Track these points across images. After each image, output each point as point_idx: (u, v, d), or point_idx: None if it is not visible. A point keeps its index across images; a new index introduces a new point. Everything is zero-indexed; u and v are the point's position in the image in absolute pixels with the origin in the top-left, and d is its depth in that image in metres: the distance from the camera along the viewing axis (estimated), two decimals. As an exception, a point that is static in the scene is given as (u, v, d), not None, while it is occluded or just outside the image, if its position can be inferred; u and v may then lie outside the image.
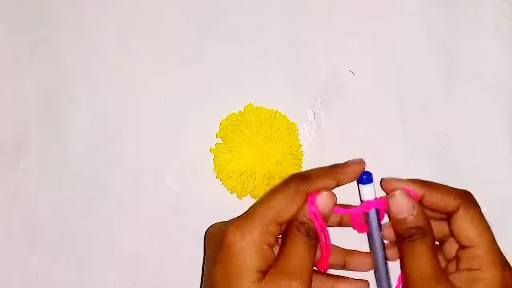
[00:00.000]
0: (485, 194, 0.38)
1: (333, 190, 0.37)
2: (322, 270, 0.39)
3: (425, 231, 0.35)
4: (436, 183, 0.37)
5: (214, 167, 0.43)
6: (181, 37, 0.45)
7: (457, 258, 0.36)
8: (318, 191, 0.36)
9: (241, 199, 0.43)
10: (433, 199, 0.36)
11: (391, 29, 0.45)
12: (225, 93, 0.45)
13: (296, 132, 0.44)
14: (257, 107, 0.44)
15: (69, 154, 0.45)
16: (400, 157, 0.44)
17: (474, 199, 0.36)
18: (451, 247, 0.38)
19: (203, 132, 0.44)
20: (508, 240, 0.37)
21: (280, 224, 0.35)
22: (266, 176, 0.43)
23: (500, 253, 0.35)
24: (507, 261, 0.35)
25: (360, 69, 0.44)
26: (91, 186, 0.44)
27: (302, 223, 0.35)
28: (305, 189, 0.36)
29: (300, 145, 0.44)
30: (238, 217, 0.36)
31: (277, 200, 0.35)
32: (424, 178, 0.42)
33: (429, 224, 0.36)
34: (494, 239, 0.36)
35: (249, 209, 0.37)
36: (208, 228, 0.38)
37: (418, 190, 0.36)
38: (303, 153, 0.44)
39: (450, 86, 0.44)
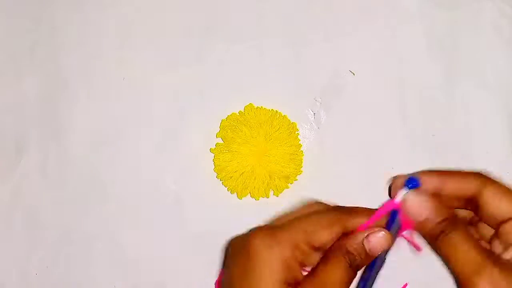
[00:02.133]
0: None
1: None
2: None
3: (453, 221, 0.33)
4: (451, 171, 0.36)
5: (214, 167, 0.43)
6: (181, 37, 0.45)
7: (504, 235, 0.34)
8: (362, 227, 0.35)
9: (241, 199, 0.43)
10: (450, 186, 0.35)
11: (391, 29, 0.45)
12: (225, 93, 0.45)
13: (296, 132, 0.44)
14: (257, 107, 0.44)
15: (69, 154, 0.45)
16: (400, 157, 0.44)
17: (492, 178, 0.35)
18: (484, 227, 0.36)
19: (203, 132, 0.44)
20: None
21: (310, 247, 0.34)
22: (266, 176, 0.43)
23: None
24: None
25: (360, 69, 0.44)
26: (91, 186, 0.44)
27: (349, 252, 0.34)
28: (345, 221, 0.34)
29: (300, 145, 0.44)
30: (266, 225, 0.35)
31: (315, 219, 0.34)
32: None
33: (454, 213, 0.34)
34: None
35: (278, 219, 0.37)
36: (229, 241, 0.38)
37: (432, 182, 0.35)
38: (303, 153, 0.44)
39: (450, 86, 0.44)
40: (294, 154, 0.43)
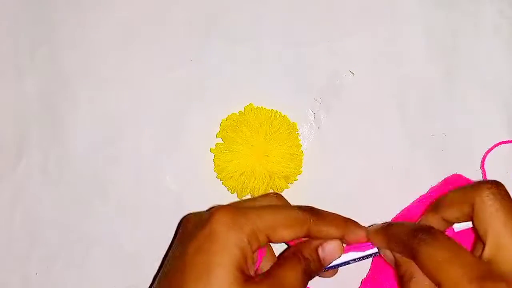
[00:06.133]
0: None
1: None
2: None
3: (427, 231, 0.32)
4: (445, 198, 0.34)
5: (214, 167, 0.43)
6: (181, 37, 0.45)
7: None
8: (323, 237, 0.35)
9: (241, 199, 0.43)
10: (452, 216, 0.34)
11: (391, 29, 0.45)
12: (225, 93, 0.45)
13: (296, 132, 0.44)
14: (257, 107, 0.44)
15: (69, 154, 0.44)
16: (400, 157, 0.44)
17: (486, 192, 0.31)
18: None
19: (203, 132, 0.44)
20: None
21: (267, 240, 0.34)
22: (266, 176, 0.42)
23: None
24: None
25: (360, 69, 0.44)
26: (91, 186, 0.44)
27: (305, 258, 0.34)
28: (312, 225, 0.34)
29: (300, 145, 0.44)
30: (230, 205, 0.35)
31: (279, 216, 0.34)
32: (424, 178, 0.43)
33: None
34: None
35: (243, 202, 0.37)
36: (186, 216, 0.36)
37: (435, 221, 0.35)
38: (303, 153, 0.44)
39: (450, 86, 0.44)
40: (294, 154, 0.43)
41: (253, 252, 0.33)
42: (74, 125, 0.45)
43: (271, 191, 0.42)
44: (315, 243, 0.35)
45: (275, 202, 0.37)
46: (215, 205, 0.36)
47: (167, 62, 0.45)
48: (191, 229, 0.34)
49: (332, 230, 0.35)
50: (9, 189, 0.44)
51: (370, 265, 0.41)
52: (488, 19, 0.45)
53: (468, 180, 0.41)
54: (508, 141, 0.43)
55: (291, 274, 0.33)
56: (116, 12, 0.46)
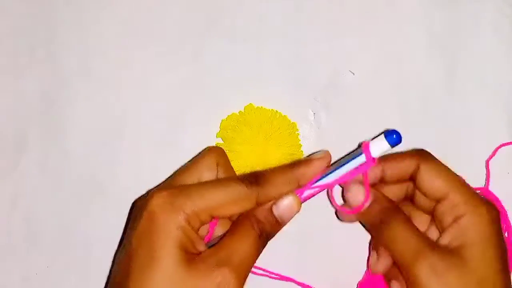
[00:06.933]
0: (485, 194, 0.39)
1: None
2: None
3: (393, 209, 0.34)
4: (392, 154, 0.36)
5: (214, 167, 0.43)
6: (181, 37, 0.45)
7: (438, 217, 0.35)
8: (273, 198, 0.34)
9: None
10: (392, 168, 0.35)
11: (391, 29, 0.45)
12: (225, 93, 0.45)
13: (296, 132, 0.44)
14: (257, 107, 0.44)
15: (69, 154, 0.45)
16: (400, 157, 0.44)
17: (432, 155, 0.36)
18: (422, 199, 0.36)
19: (203, 132, 0.44)
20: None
21: (211, 217, 0.32)
22: (266, 176, 0.42)
23: (477, 193, 0.34)
24: (486, 200, 0.35)
25: (360, 69, 0.44)
26: (91, 186, 0.44)
27: (259, 221, 0.33)
28: (257, 195, 0.33)
29: (300, 145, 0.44)
30: (167, 186, 0.34)
31: (221, 194, 0.32)
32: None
33: (393, 201, 0.35)
34: (466, 183, 0.35)
35: (180, 176, 0.36)
36: (134, 201, 0.36)
37: (373, 169, 0.35)
38: (303, 153, 0.44)
39: (450, 86, 0.44)
40: (294, 154, 0.43)
41: (197, 230, 0.32)
42: (74, 125, 0.45)
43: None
44: (268, 203, 0.34)
45: (215, 162, 0.36)
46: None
47: (167, 62, 0.45)
48: (134, 217, 0.33)
49: (283, 189, 0.34)
50: (9, 188, 0.44)
51: (366, 267, 0.41)
52: (488, 19, 0.45)
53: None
54: (509, 142, 0.43)
55: (243, 242, 0.32)
56: (116, 12, 0.46)
